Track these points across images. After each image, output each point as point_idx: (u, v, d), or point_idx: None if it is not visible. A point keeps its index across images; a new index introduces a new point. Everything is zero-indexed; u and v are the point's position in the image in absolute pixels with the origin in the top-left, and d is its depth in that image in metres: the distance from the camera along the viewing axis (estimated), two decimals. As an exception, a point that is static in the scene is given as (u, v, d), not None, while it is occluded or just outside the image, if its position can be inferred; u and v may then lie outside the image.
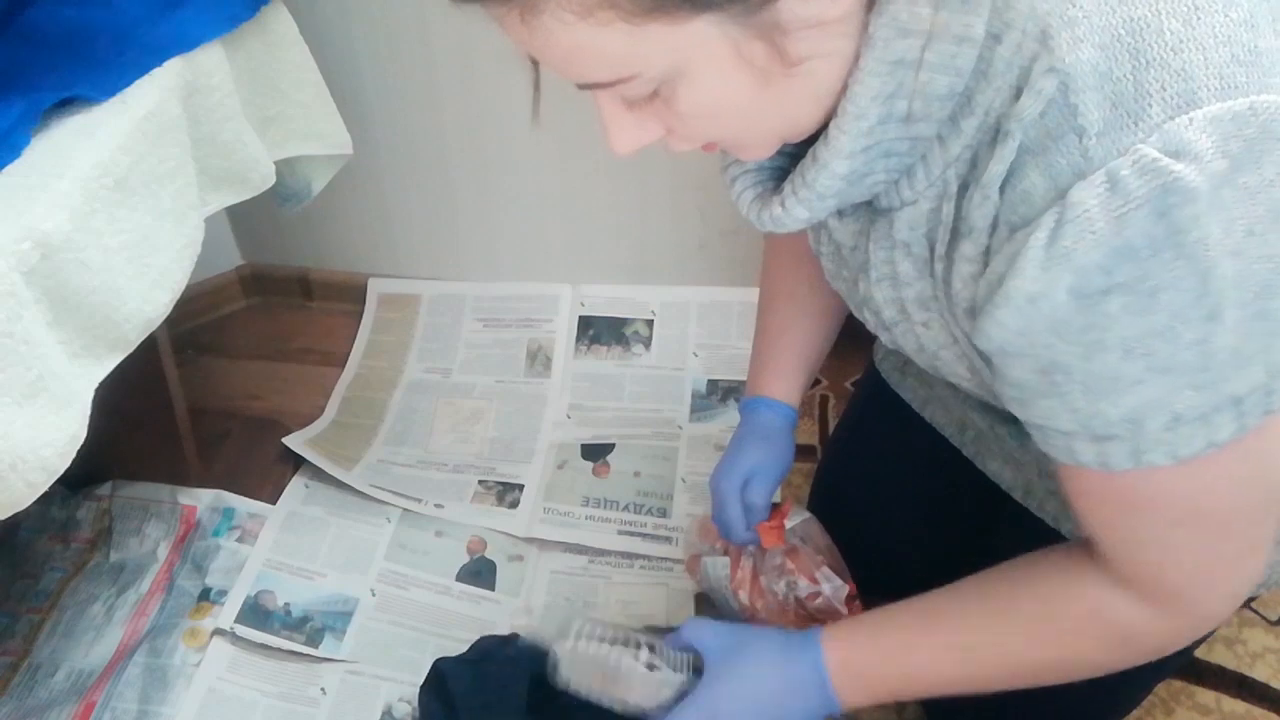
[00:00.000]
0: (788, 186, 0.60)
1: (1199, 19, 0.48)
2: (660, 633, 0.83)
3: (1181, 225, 0.47)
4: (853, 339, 0.91)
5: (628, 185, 1.39)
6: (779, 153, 0.64)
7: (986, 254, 0.55)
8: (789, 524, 0.91)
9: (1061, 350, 0.52)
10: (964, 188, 0.55)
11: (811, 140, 0.58)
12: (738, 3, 0.47)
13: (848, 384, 1.38)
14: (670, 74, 0.51)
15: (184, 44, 0.86)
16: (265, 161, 0.98)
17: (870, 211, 0.64)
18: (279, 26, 0.98)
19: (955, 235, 0.57)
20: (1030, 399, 0.57)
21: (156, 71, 0.84)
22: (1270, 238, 0.48)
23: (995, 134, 0.52)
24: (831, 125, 0.55)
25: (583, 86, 0.53)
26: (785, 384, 0.91)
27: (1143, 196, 0.46)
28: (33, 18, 0.85)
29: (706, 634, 0.76)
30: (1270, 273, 0.49)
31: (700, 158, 1.43)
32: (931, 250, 0.60)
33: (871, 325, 0.72)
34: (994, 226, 0.53)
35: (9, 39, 0.84)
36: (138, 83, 0.83)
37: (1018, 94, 0.50)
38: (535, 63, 0.58)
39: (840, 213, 0.67)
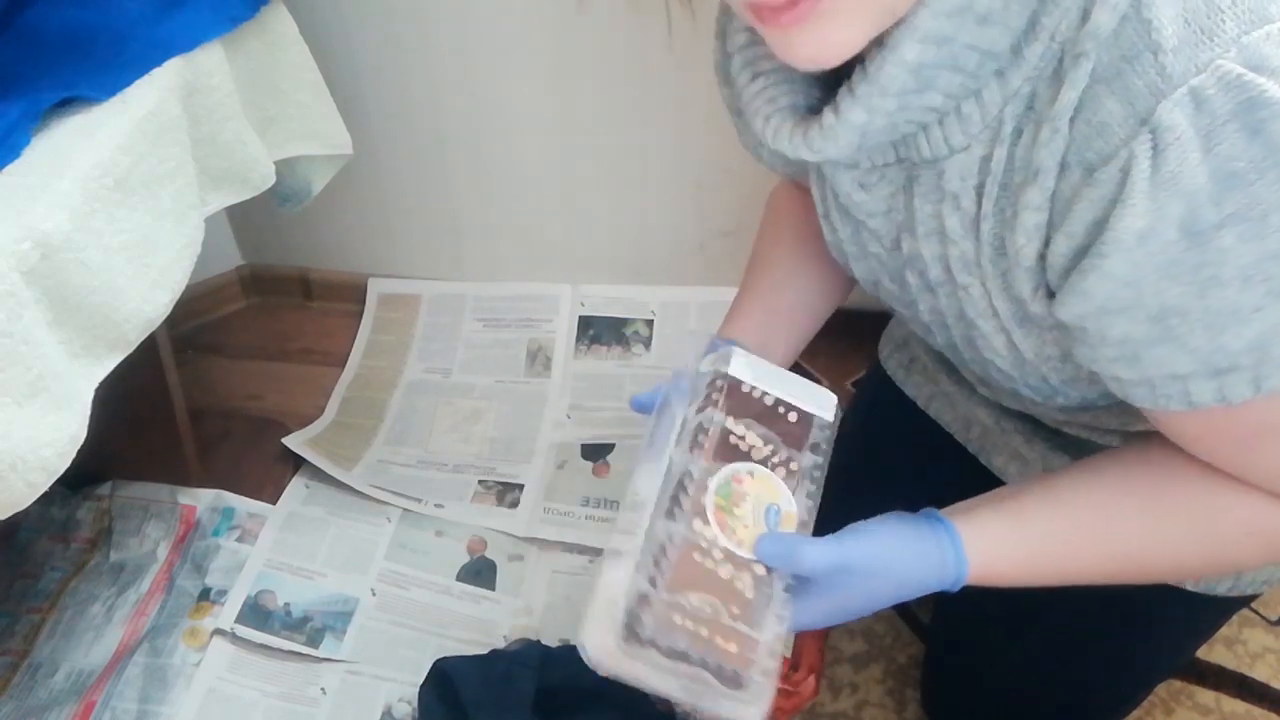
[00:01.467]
0: (843, 88, 0.55)
1: None
2: None
3: (1275, 140, 0.46)
4: (853, 339, 0.91)
5: (628, 185, 1.39)
6: (806, 96, 0.61)
7: (1053, 200, 0.53)
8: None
9: (1175, 293, 0.50)
10: (1019, 132, 0.54)
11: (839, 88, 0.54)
12: None
13: (848, 384, 1.38)
14: None
15: (184, 44, 0.86)
16: (265, 161, 0.98)
17: (908, 168, 0.61)
18: (279, 26, 0.98)
19: (1007, 188, 0.55)
20: (1140, 351, 0.54)
21: (156, 71, 0.84)
22: None
23: (1058, 64, 0.51)
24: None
25: None
26: (754, 331, 0.82)
27: (1229, 112, 0.46)
28: (33, 18, 0.85)
29: (814, 558, 0.61)
30: None
31: (700, 158, 1.43)
32: (979, 206, 0.58)
33: (914, 289, 0.68)
34: (1063, 167, 0.52)
35: (9, 39, 0.84)
36: (138, 83, 0.83)
37: (1085, 15, 0.49)
38: None
39: (863, 185, 0.65)
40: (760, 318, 0.82)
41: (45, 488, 0.71)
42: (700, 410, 0.64)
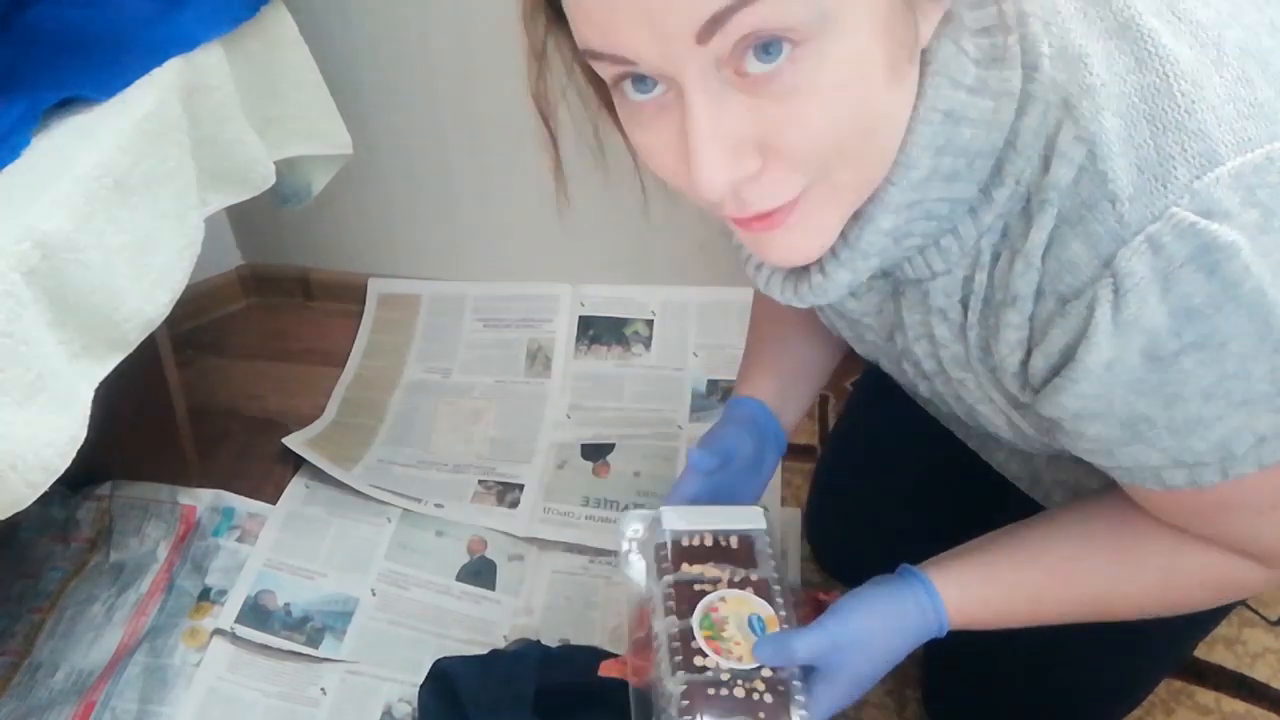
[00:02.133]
0: (826, 253, 0.58)
1: (1202, 80, 0.50)
2: None
3: (1234, 279, 0.48)
4: (853, 339, 0.91)
5: (628, 185, 1.39)
6: None
7: (1032, 320, 0.56)
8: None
9: (1142, 405, 0.54)
10: (996, 256, 0.57)
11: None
12: None
13: (847, 384, 1.38)
14: (821, 19, 0.43)
15: (184, 44, 0.86)
16: (265, 161, 0.98)
17: (893, 282, 0.65)
18: (279, 26, 0.98)
19: (989, 303, 0.59)
20: (1114, 449, 0.58)
21: (156, 71, 0.84)
22: None
23: (1026, 203, 0.54)
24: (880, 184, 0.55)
25: (706, 28, 0.43)
26: (772, 393, 0.86)
27: (1185, 256, 0.48)
28: (33, 18, 0.85)
29: (806, 644, 0.67)
30: None
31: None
32: (965, 317, 0.61)
33: (910, 375, 0.73)
34: (1038, 294, 0.55)
35: (9, 39, 0.84)
36: (138, 83, 0.83)
37: (1046, 163, 0.52)
38: (554, 142, 0.59)
39: (854, 294, 0.68)
40: (776, 379, 0.87)
41: (45, 487, 0.71)
42: (659, 578, 0.71)
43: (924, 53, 0.50)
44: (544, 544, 1.23)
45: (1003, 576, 0.69)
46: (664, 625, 0.69)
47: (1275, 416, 0.53)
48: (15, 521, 1.20)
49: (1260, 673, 1.06)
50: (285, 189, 1.10)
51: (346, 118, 1.09)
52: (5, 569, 1.20)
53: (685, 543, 0.73)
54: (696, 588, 0.70)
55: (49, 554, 1.22)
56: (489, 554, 1.22)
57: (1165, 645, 0.87)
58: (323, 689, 1.10)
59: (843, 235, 0.57)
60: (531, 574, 1.20)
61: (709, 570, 0.71)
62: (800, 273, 0.61)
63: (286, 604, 1.17)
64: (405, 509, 1.26)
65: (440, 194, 1.44)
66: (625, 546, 0.76)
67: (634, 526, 0.76)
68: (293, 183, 1.11)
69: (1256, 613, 1.10)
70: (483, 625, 1.15)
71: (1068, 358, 0.54)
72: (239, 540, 1.23)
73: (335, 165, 1.13)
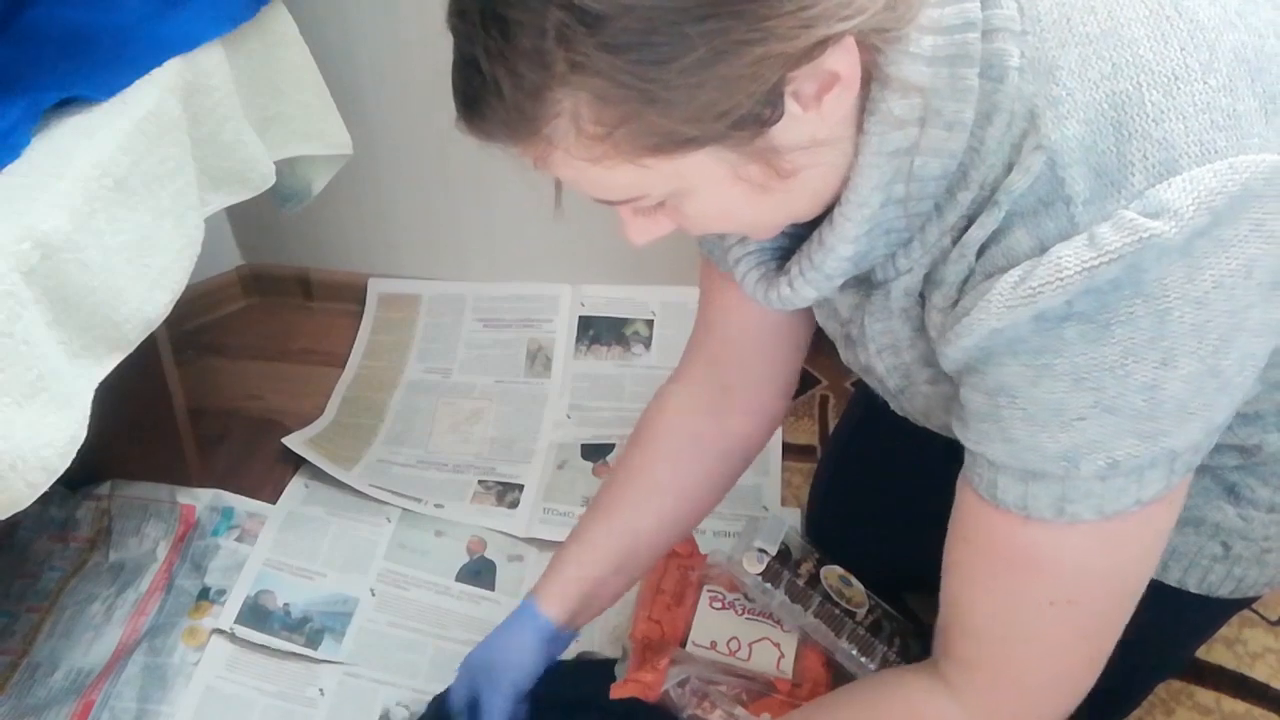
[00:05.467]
0: (795, 268, 0.61)
1: (1179, 89, 0.49)
2: None
3: (1145, 265, 0.48)
4: (853, 339, 0.91)
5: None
6: (780, 233, 0.66)
7: (954, 305, 0.57)
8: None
9: (1013, 371, 0.53)
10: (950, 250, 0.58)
11: (814, 220, 0.60)
12: (730, 138, 0.50)
13: (848, 384, 1.38)
14: (674, 193, 0.55)
15: (184, 44, 0.86)
16: (265, 161, 0.98)
17: (865, 285, 0.65)
18: (279, 26, 0.98)
19: (931, 287, 0.59)
20: (971, 420, 0.58)
21: (156, 71, 0.84)
22: (1237, 292, 0.49)
23: (988, 203, 0.54)
24: (835, 212, 0.57)
25: (596, 200, 0.57)
26: (562, 600, 0.85)
27: (1116, 250, 0.48)
28: (33, 18, 0.85)
29: None
30: (1230, 328, 0.50)
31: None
32: (923, 308, 0.62)
33: (879, 391, 0.74)
34: (967, 278, 0.56)
35: (9, 39, 0.84)
36: (138, 83, 0.82)
37: (1009, 168, 0.52)
38: None
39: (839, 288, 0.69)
40: (579, 585, 0.85)
41: (45, 487, 0.71)
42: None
43: (867, 100, 0.52)
44: (544, 544, 1.23)
45: None
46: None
47: (1137, 444, 0.53)
48: (15, 521, 1.20)
49: (1260, 673, 1.06)
50: (285, 189, 1.10)
51: (346, 118, 1.09)
52: (5, 569, 1.20)
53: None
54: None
55: (48, 554, 1.22)
56: (489, 554, 1.22)
57: (1166, 649, 0.87)
58: (321, 690, 1.10)
59: (808, 257, 0.60)
60: (531, 574, 1.20)
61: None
62: (772, 279, 0.64)
63: (286, 604, 1.17)
64: (405, 509, 1.26)
65: (440, 194, 1.44)
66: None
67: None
68: (293, 183, 1.11)
69: (1257, 613, 1.10)
70: (482, 625, 1.15)
71: (964, 316, 0.55)
72: (238, 540, 1.23)
73: (335, 165, 1.13)
